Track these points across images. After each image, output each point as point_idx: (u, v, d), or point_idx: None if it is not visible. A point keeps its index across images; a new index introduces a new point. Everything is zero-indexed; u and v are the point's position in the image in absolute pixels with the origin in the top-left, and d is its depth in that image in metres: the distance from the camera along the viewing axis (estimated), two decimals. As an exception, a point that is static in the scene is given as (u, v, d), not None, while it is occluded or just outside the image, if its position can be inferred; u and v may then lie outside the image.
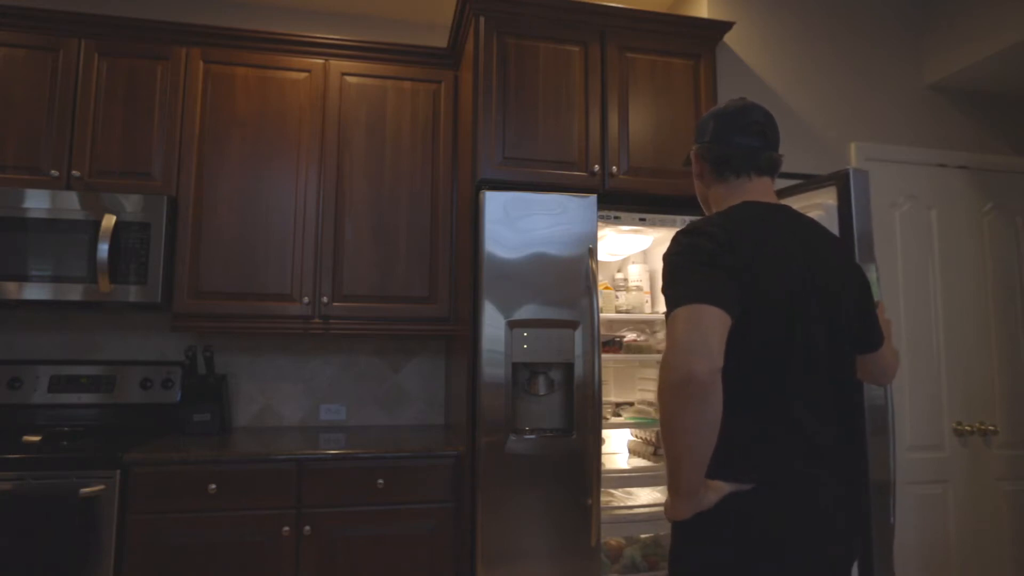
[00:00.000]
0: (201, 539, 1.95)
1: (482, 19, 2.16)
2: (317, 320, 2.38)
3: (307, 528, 2.00)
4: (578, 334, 2.06)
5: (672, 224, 2.27)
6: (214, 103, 2.38)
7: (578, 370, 2.05)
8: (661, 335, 2.53)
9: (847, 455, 1.16)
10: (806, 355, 1.10)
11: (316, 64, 2.47)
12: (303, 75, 2.46)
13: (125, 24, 2.33)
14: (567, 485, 2.00)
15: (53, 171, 2.23)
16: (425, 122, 2.55)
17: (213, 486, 1.96)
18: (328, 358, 2.72)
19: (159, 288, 2.21)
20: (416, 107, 2.54)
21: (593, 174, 2.20)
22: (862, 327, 1.22)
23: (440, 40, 2.90)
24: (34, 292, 2.13)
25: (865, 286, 1.24)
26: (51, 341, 2.51)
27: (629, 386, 2.77)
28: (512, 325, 2.02)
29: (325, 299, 2.39)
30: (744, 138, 1.23)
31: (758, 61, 2.51)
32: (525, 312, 2.03)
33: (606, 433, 2.46)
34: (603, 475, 2.07)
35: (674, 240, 1.13)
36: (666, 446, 1.01)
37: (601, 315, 2.10)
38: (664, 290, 1.08)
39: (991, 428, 2.49)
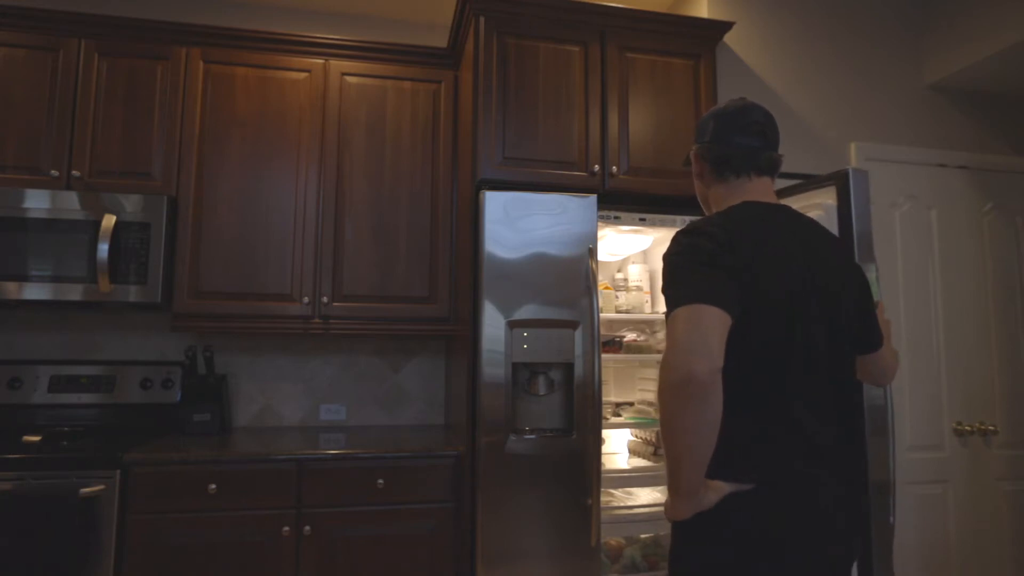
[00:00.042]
0: (201, 539, 1.95)
1: (482, 19, 2.16)
2: (317, 320, 2.38)
3: (307, 528, 2.00)
4: (578, 334, 2.06)
5: (672, 224, 2.27)
6: (214, 103, 2.38)
7: (578, 370, 2.05)
8: (661, 335, 2.53)
9: (847, 455, 1.16)
10: (806, 355, 1.10)
11: (316, 64, 2.47)
12: (303, 75, 2.46)
13: (125, 24, 2.33)
14: (567, 485, 2.00)
15: (53, 171, 2.23)
16: (425, 122, 2.55)
17: (213, 486, 1.96)
18: (328, 358, 2.72)
19: (159, 288, 2.21)
20: (416, 107, 2.54)
21: (593, 174, 2.20)
22: (862, 327, 1.22)
23: (440, 40, 2.90)
24: (34, 292, 2.13)
25: (865, 286, 1.24)
26: (51, 341, 2.51)
27: (629, 386, 2.77)
28: (512, 325, 2.02)
29: (325, 299, 2.39)
30: (744, 138, 1.23)
31: (758, 61, 2.51)
32: (525, 312, 2.03)
33: (606, 433, 2.46)
34: (603, 475, 2.07)
35: (674, 240, 1.13)
36: (666, 446, 1.01)
37: (601, 315, 2.10)
38: (664, 290, 1.08)
39: (991, 428, 2.49)
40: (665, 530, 2.15)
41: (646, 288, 2.61)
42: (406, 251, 2.48)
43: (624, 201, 2.28)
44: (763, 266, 1.08)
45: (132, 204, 2.21)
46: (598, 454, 2.01)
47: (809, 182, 1.96)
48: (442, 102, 2.57)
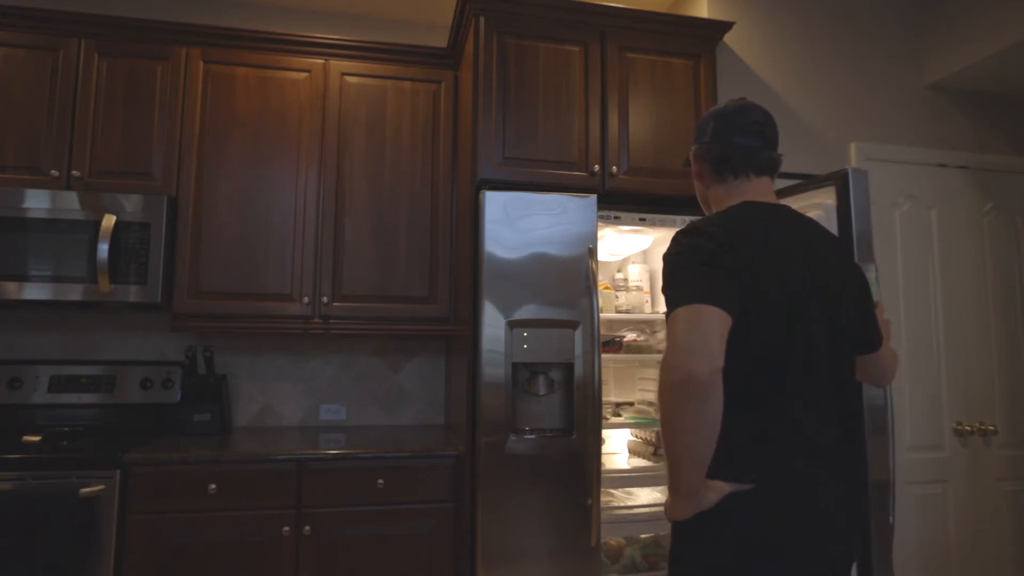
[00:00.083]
0: (201, 539, 1.95)
1: (482, 19, 2.16)
2: (317, 320, 2.38)
3: (307, 528, 2.00)
4: (578, 334, 2.06)
5: (672, 224, 2.27)
6: (214, 103, 2.38)
7: (578, 370, 2.05)
8: (661, 335, 2.53)
9: (847, 455, 1.16)
10: (806, 355, 1.10)
11: (316, 64, 2.47)
12: (303, 75, 2.46)
13: (125, 24, 2.33)
14: (567, 485, 2.00)
15: (53, 171, 2.23)
16: (425, 122, 2.55)
17: (213, 486, 1.96)
18: (328, 358, 2.72)
19: (159, 288, 2.21)
20: (416, 107, 2.54)
21: (593, 174, 2.20)
22: (862, 327, 1.22)
23: (440, 40, 2.90)
24: (34, 292, 2.13)
25: (865, 286, 1.24)
26: (51, 341, 2.51)
27: (629, 386, 2.77)
28: (512, 325, 2.02)
29: (325, 299, 2.39)
30: (743, 138, 1.23)
31: (758, 61, 2.51)
32: (525, 312, 2.03)
33: (606, 433, 2.46)
34: (603, 475, 2.07)
35: (674, 240, 1.13)
36: (666, 446, 1.01)
37: (601, 315, 2.10)
38: (664, 290, 1.08)
39: (991, 428, 2.50)
40: (665, 530, 2.15)
41: (646, 288, 2.61)
42: (406, 251, 2.48)
43: (624, 201, 2.28)
44: (763, 266, 1.08)
45: (132, 204, 2.21)
46: (598, 454, 2.01)
47: (809, 182, 1.96)
48: (442, 102, 2.57)
